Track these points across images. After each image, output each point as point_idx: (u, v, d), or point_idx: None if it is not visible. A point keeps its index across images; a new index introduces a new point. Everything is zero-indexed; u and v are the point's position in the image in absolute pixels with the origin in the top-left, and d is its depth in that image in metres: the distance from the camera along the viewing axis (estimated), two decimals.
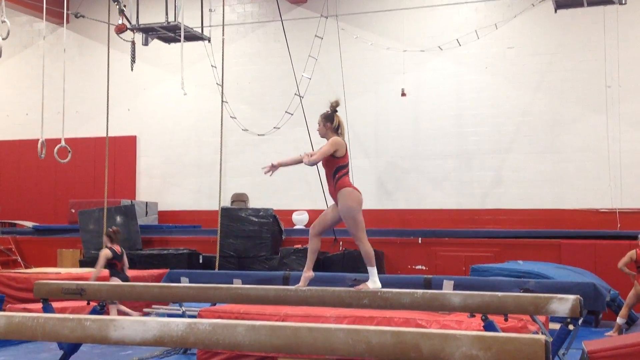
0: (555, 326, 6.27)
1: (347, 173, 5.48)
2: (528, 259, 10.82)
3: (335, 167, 5.46)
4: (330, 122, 5.54)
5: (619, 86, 12.29)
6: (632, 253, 8.68)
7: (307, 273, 5.46)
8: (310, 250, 5.56)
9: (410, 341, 3.22)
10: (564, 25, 12.68)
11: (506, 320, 5.27)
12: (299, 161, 5.53)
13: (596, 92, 12.44)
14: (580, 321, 5.12)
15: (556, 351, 5.28)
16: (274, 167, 5.62)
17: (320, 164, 5.57)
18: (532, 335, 3.13)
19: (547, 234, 11.80)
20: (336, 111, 5.58)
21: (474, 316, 5.51)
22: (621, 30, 12.28)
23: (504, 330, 5.30)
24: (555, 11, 10.71)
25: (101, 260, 8.51)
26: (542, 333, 5.81)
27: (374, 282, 5.30)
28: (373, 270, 5.32)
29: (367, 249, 5.33)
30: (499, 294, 5.17)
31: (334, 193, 5.46)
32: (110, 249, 8.64)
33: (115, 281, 8.06)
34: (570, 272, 9.92)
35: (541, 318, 6.16)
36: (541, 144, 12.78)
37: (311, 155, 5.35)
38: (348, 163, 5.51)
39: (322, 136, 5.60)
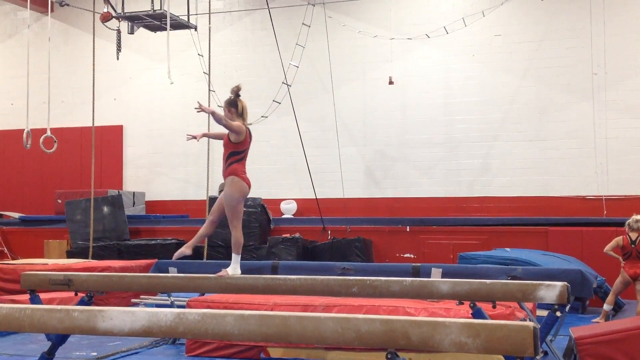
0: (543, 313, 6.31)
1: (240, 160, 5.51)
2: (515, 246, 10.88)
3: (230, 151, 5.50)
4: (235, 107, 5.57)
5: (605, 73, 12.34)
6: (618, 239, 8.73)
7: (185, 249, 5.59)
8: (199, 233, 5.72)
9: (400, 329, 3.23)
10: (551, 13, 12.70)
11: (494, 307, 5.29)
12: (221, 136, 5.64)
13: (583, 79, 12.49)
14: (567, 308, 5.15)
15: (544, 338, 5.32)
16: (198, 136, 5.69)
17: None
18: (520, 322, 3.15)
19: (534, 221, 11.86)
20: (239, 96, 5.59)
21: (462, 303, 5.54)
22: (607, 18, 12.32)
23: (492, 317, 5.33)
24: None
25: None
26: (530, 320, 5.85)
27: (234, 268, 5.44)
28: (237, 258, 5.51)
29: (238, 236, 5.53)
30: (487, 281, 5.20)
31: (224, 176, 5.55)
32: None
33: None
34: (557, 259, 9.98)
35: (529, 305, 6.20)
36: (528, 132, 12.82)
37: (224, 118, 5.39)
38: (244, 150, 5.52)
39: (224, 122, 5.54)
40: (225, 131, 5.54)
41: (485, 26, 12.92)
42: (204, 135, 5.61)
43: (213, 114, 5.33)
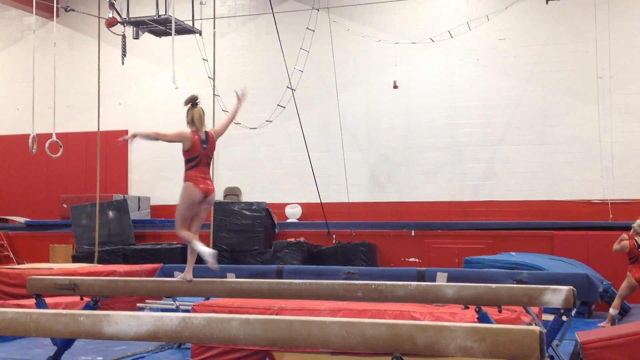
0: (549, 317, 6.29)
1: (194, 166, 5.66)
2: (521, 250, 10.85)
3: (185, 159, 5.69)
4: (189, 116, 5.74)
5: (610, 77, 12.32)
6: (625, 244, 8.71)
7: (186, 275, 5.65)
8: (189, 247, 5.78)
9: (405, 333, 3.23)
10: (555, 17, 12.69)
11: (500, 311, 5.28)
12: (153, 137, 5.76)
13: (587, 83, 12.47)
14: (573, 312, 5.13)
15: (550, 342, 5.30)
16: (131, 137, 5.67)
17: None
18: (526, 327, 3.14)
19: (539, 225, 11.83)
20: (196, 105, 5.73)
21: (467, 308, 5.52)
22: (612, 21, 12.31)
23: (497, 321, 5.31)
24: (547, 2, 10.75)
25: None
26: (536, 324, 5.83)
27: (203, 249, 5.51)
28: (197, 244, 5.60)
29: (182, 235, 5.64)
30: (493, 285, 5.18)
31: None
32: None
33: None
34: (563, 263, 9.95)
35: (534, 309, 6.18)
36: (533, 136, 12.80)
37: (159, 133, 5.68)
38: (197, 156, 5.66)
39: (173, 141, 5.79)
40: (159, 130, 5.75)
41: (489, 30, 12.92)
42: (135, 135, 5.65)
43: (135, 136, 5.54)
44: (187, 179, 5.64)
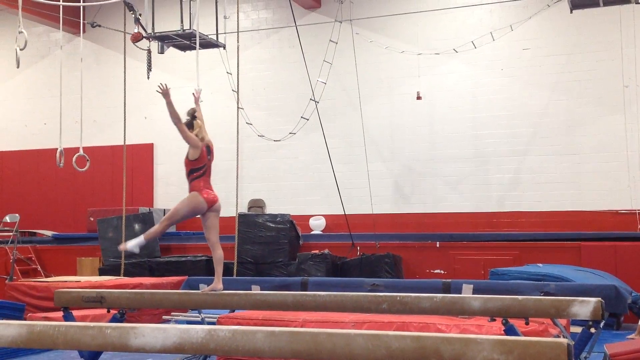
0: (577, 329, 6.21)
1: (200, 176, 5.75)
2: (547, 261, 10.74)
3: (190, 168, 5.76)
4: (192, 129, 5.85)
5: (637, 86, 12.18)
6: None
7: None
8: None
9: (431, 346, 3.21)
10: (580, 26, 12.60)
11: (527, 324, 5.23)
12: (176, 117, 5.74)
13: (613, 92, 12.34)
14: (602, 324, 5.07)
15: (578, 354, 5.23)
16: (167, 95, 5.80)
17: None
18: (554, 339, 3.11)
19: (566, 236, 11.70)
20: (195, 117, 5.89)
21: (494, 320, 5.48)
22: (638, 30, 12.17)
23: (525, 334, 5.26)
24: (571, 11, 10.63)
25: None
26: (564, 336, 5.76)
27: (133, 245, 5.71)
28: (141, 240, 5.76)
29: (158, 230, 5.89)
30: (519, 297, 5.14)
31: (189, 192, 5.81)
32: None
33: None
34: (590, 274, 9.83)
35: (562, 321, 6.11)
36: (558, 146, 12.69)
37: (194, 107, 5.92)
38: (203, 166, 5.76)
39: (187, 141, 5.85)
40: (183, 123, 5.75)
41: (513, 40, 12.86)
42: (169, 97, 5.69)
43: (168, 97, 5.67)
44: (193, 188, 5.75)
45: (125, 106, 12.07)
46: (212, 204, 5.80)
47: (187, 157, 5.78)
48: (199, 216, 6.03)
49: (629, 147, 12.14)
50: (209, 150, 5.85)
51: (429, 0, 13.59)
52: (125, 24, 11.91)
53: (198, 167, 5.76)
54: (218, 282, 5.77)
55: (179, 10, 10.98)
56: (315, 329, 3.61)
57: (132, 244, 5.75)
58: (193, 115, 5.93)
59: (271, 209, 14.11)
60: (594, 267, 10.41)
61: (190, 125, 5.87)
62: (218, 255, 5.85)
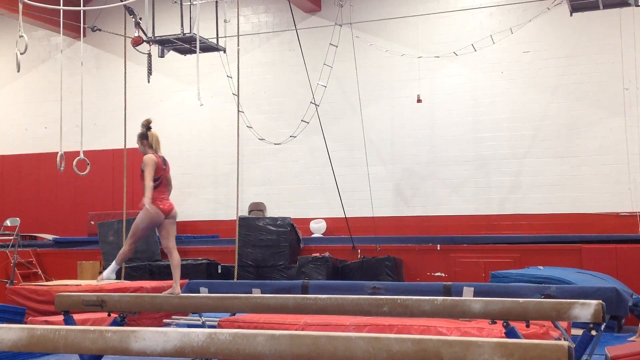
0: (578, 332, 6.20)
1: (155, 187, 5.88)
2: (548, 264, 10.72)
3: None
4: (146, 139, 5.96)
5: (637, 88, 12.19)
6: None
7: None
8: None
9: (432, 349, 3.21)
10: (580, 29, 12.61)
11: (528, 326, 5.22)
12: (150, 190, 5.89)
13: (614, 94, 12.35)
14: (603, 326, 5.06)
15: (579, 357, 5.22)
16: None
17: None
18: (555, 342, 3.11)
19: (567, 238, 11.69)
20: (150, 128, 5.98)
21: (495, 323, 5.47)
22: (637, 32, 12.18)
23: (525, 336, 5.26)
24: (571, 14, 10.63)
25: None
26: (565, 339, 5.75)
27: (108, 274, 5.92)
28: (115, 267, 5.98)
29: (127, 250, 6.03)
30: (520, 300, 5.13)
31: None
32: None
33: None
34: (591, 277, 9.82)
35: (563, 324, 6.10)
36: (559, 148, 12.69)
37: (145, 199, 5.82)
38: (159, 178, 5.92)
39: (143, 153, 5.97)
40: (148, 186, 5.87)
41: (513, 43, 12.87)
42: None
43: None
44: (153, 199, 5.85)
45: (125, 110, 12.08)
46: (168, 213, 5.89)
47: (140, 171, 5.92)
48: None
49: (630, 149, 12.13)
50: (164, 161, 5.92)
51: (429, 3, 13.61)
52: (125, 28, 11.92)
53: (154, 179, 5.80)
54: (176, 287, 5.83)
55: (179, 14, 11.00)
56: (316, 332, 3.61)
57: (107, 272, 5.87)
58: (147, 126, 6.00)
59: (272, 212, 14.12)
60: (595, 269, 10.40)
61: (144, 136, 5.96)
62: (175, 261, 5.89)
